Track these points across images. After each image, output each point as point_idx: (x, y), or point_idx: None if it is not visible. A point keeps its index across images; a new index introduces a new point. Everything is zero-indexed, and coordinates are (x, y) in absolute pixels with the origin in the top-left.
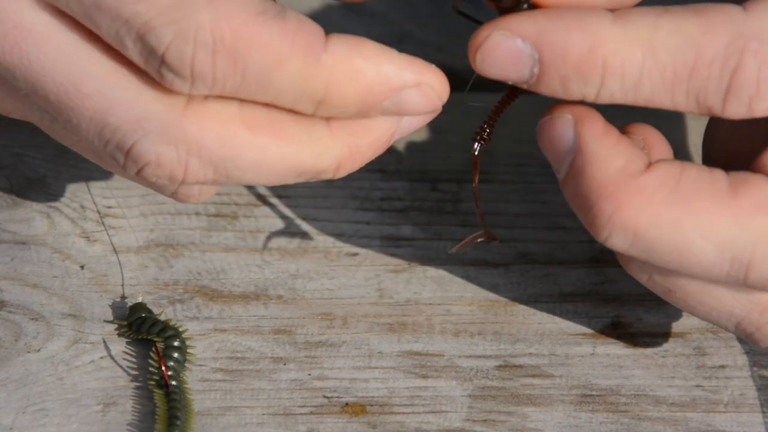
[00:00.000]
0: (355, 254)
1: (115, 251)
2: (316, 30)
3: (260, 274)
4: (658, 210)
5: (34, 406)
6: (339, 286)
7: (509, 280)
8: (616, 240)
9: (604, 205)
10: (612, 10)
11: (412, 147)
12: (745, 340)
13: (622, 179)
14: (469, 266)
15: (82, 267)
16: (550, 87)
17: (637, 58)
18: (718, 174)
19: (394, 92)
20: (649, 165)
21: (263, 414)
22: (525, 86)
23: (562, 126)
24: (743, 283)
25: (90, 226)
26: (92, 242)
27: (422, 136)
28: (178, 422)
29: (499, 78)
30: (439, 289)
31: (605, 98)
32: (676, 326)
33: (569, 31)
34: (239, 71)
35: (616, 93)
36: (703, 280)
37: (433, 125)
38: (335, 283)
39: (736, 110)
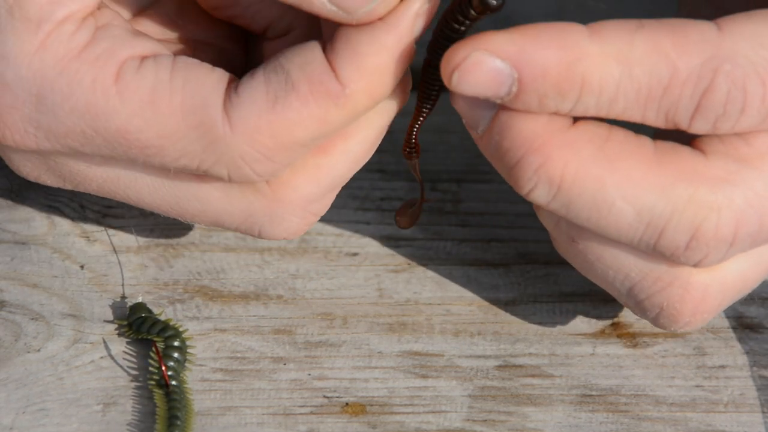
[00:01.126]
0: (355, 254)
1: (115, 251)
2: (319, 73)
3: (260, 274)
4: (584, 164)
5: (34, 406)
6: (339, 286)
7: (509, 280)
8: (539, 192)
9: (531, 158)
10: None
11: None
12: (632, 309)
13: (549, 132)
14: (469, 266)
15: (82, 267)
16: (526, 104)
17: (614, 76)
18: (645, 140)
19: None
20: (575, 122)
21: (263, 414)
22: (498, 101)
23: None
24: (652, 248)
25: (90, 226)
26: (92, 242)
27: (422, 136)
28: (178, 422)
29: (473, 96)
30: (439, 289)
31: (579, 112)
32: None
33: (548, 49)
34: (293, 153)
35: (590, 108)
36: (612, 240)
37: (433, 125)
38: (335, 283)
39: (701, 128)
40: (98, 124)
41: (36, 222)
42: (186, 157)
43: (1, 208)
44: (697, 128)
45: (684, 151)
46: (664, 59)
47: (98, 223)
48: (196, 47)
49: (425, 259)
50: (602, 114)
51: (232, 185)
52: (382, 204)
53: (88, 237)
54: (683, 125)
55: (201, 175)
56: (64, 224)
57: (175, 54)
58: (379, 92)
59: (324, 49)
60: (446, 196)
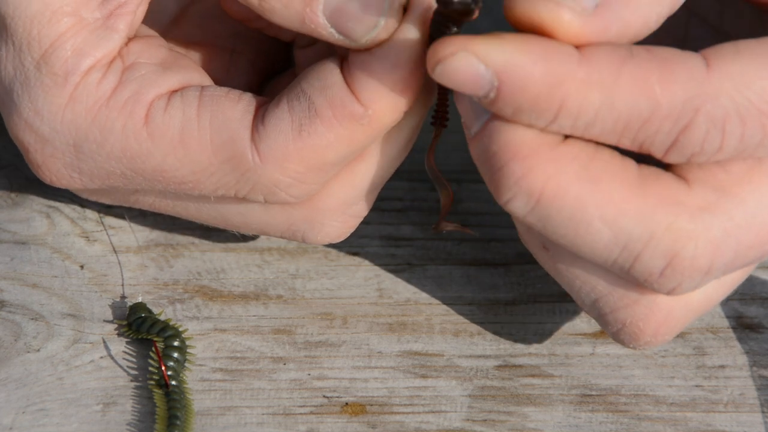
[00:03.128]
0: (355, 254)
1: (115, 251)
2: (340, 97)
3: (260, 274)
4: (566, 182)
5: (34, 406)
6: (339, 286)
7: (509, 280)
8: (517, 204)
9: (515, 167)
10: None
11: (412, 147)
12: (595, 318)
13: (537, 145)
14: (469, 266)
15: (82, 267)
16: (502, 111)
17: (594, 104)
18: (630, 163)
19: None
20: (565, 139)
21: (263, 414)
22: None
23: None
24: (626, 272)
25: (90, 226)
26: (92, 242)
27: (422, 136)
28: (178, 422)
29: (452, 87)
30: (439, 289)
31: (553, 130)
32: None
33: (534, 67)
34: (325, 173)
35: (565, 128)
36: (587, 259)
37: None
38: (335, 283)
39: (675, 160)
40: (136, 165)
41: (36, 222)
42: (222, 188)
43: (1, 208)
44: (671, 160)
45: (667, 179)
46: (647, 94)
47: (98, 223)
48: (235, 47)
49: (425, 259)
50: (577, 134)
51: None
52: (382, 204)
53: (88, 237)
54: (657, 156)
55: (241, 199)
56: (64, 224)
57: (213, 60)
58: (402, 106)
59: (342, 68)
60: None
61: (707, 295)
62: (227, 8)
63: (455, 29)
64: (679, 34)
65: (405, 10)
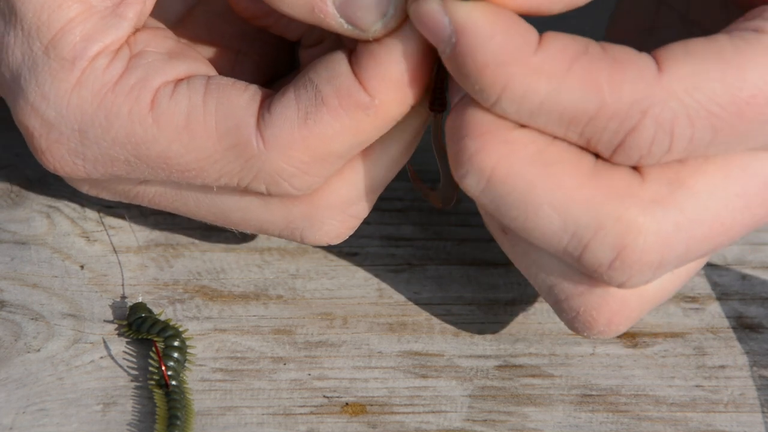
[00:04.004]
0: (355, 254)
1: (115, 251)
2: (347, 86)
3: (260, 274)
4: (518, 164)
5: (34, 406)
6: (339, 286)
7: (509, 280)
8: (470, 181)
9: (469, 143)
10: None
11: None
12: (552, 307)
13: (495, 124)
14: (469, 266)
15: (82, 267)
16: (454, 73)
17: (540, 92)
18: (586, 155)
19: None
20: (522, 125)
21: (263, 414)
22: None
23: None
24: (576, 261)
25: (90, 226)
26: (92, 242)
27: (422, 136)
28: (178, 422)
29: (419, 30)
30: (439, 289)
31: (497, 111)
32: (676, 326)
33: (491, 38)
34: (329, 165)
35: (510, 113)
36: (539, 245)
37: None
38: (335, 283)
39: (623, 161)
40: (140, 152)
41: (36, 222)
42: (226, 177)
43: (1, 208)
44: (619, 161)
45: (621, 171)
46: (595, 91)
47: (98, 223)
48: (240, 48)
49: (425, 259)
50: (523, 122)
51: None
52: (382, 204)
53: (88, 237)
54: (605, 155)
55: (243, 189)
56: (64, 224)
57: (218, 60)
58: (409, 98)
59: (350, 60)
60: None
61: (662, 287)
62: (234, 5)
63: None
64: (647, 22)
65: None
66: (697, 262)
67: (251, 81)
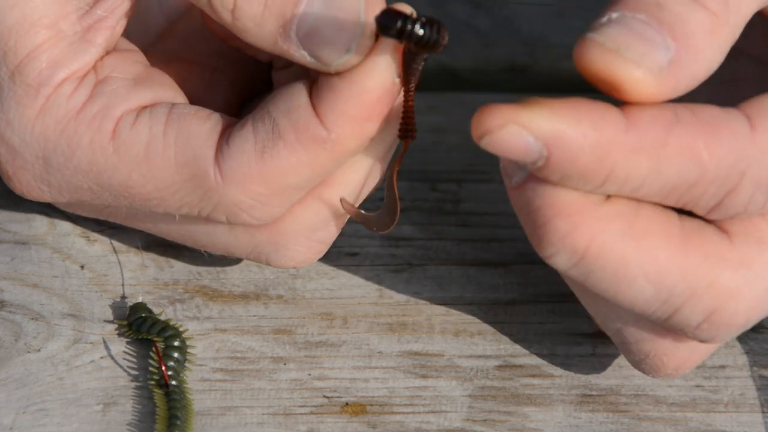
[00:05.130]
0: (355, 254)
1: (115, 251)
2: (304, 120)
3: (260, 274)
4: (610, 241)
5: (34, 406)
6: (339, 286)
7: (509, 280)
8: (560, 259)
9: (559, 224)
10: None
11: (412, 147)
12: (615, 343)
13: (583, 203)
14: (469, 266)
15: (82, 267)
16: (548, 177)
17: (642, 171)
18: (672, 217)
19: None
20: (608, 198)
21: (263, 414)
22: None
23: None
24: (663, 322)
25: (90, 226)
26: (92, 242)
27: (422, 136)
28: (178, 422)
29: (499, 155)
30: (439, 289)
31: (597, 193)
32: None
33: (584, 139)
34: (288, 197)
35: (610, 192)
36: (625, 309)
37: (433, 125)
38: (335, 283)
39: (717, 218)
40: (102, 180)
41: (36, 222)
42: (186, 207)
43: (1, 208)
44: (713, 218)
45: (709, 233)
46: (695, 160)
47: (98, 223)
48: (217, 66)
49: (425, 259)
50: (621, 195)
51: None
52: (381, 204)
53: (88, 237)
54: (700, 213)
55: (204, 218)
56: (64, 224)
57: (194, 77)
58: (367, 133)
59: (310, 91)
60: (446, 196)
61: None
62: (209, 25)
63: (425, 60)
64: (727, 74)
65: (377, 37)
66: None
67: (226, 98)
